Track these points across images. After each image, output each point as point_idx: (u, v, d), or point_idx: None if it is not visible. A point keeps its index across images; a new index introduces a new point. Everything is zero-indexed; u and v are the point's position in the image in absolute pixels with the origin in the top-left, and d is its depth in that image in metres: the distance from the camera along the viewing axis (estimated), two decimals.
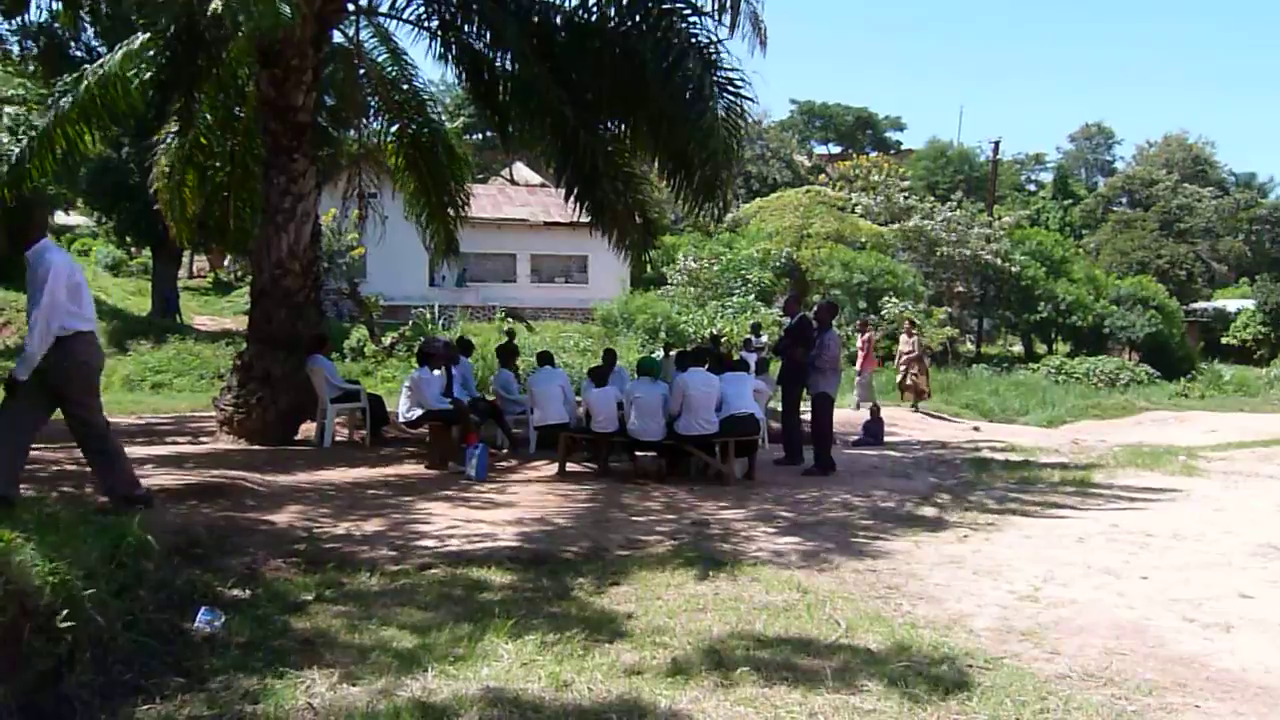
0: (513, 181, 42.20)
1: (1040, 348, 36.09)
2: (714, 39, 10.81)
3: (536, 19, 12.00)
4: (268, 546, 6.06)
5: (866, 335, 20.26)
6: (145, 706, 3.72)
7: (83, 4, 13.05)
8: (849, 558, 6.40)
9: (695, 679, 4.06)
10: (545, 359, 11.10)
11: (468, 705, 3.74)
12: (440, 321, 24.30)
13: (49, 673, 3.68)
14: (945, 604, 5.38)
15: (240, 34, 10.17)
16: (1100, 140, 68.88)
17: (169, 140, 12.96)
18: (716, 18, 10.76)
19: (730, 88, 10.83)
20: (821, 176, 48.10)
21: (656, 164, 12.35)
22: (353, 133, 14.99)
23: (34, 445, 10.78)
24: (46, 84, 12.14)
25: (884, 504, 8.63)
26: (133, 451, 10.14)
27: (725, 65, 10.84)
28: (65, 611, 3.79)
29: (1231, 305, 42.84)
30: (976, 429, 17.87)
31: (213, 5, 8.11)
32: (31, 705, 3.56)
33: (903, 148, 64.08)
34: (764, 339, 21.40)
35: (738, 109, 10.95)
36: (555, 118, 11.64)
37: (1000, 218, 36.78)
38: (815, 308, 11.55)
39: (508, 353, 12.99)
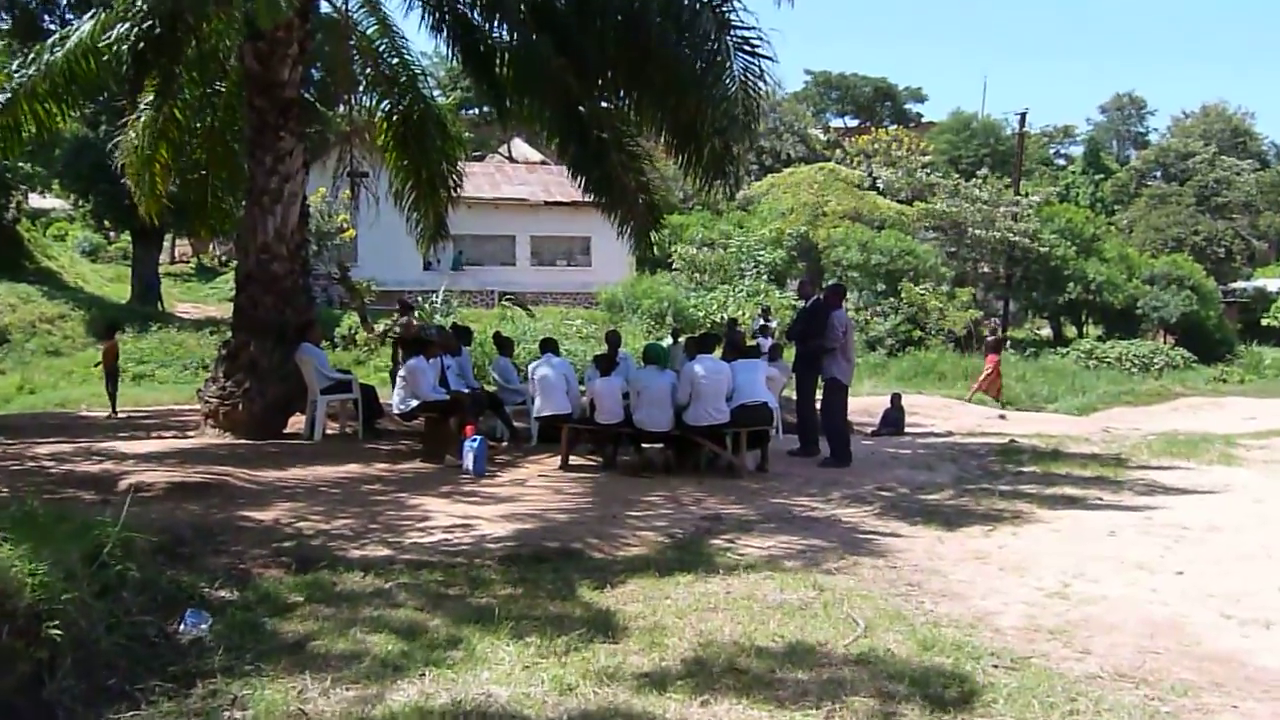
0: (511, 159, 42.11)
1: (1070, 331, 35.99)
2: None
3: None
4: (256, 545, 6.09)
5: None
6: (130, 713, 3.75)
7: None
8: (867, 554, 6.40)
9: (706, 682, 4.07)
10: (549, 346, 11.07)
11: (467, 710, 3.77)
12: (438, 305, 24.30)
13: (30, 677, 3.71)
14: (969, 601, 5.38)
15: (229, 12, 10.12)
16: (1133, 111, 68.42)
17: (140, 113, 12.91)
18: None
19: (747, 47, 10.77)
20: (838, 151, 47.87)
21: (663, 139, 12.31)
22: (342, 108, 14.96)
23: (10, 440, 10.87)
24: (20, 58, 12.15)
25: (904, 497, 8.63)
26: (114, 447, 10.21)
27: (741, 24, 10.77)
28: (46, 614, 3.81)
29: (1272, 285, 42.64)
30: (1002, 417, 17.84)
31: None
32: (12, 711, 3.59)
33: (924, 120, 63.72)
34: (774, 323, 21.37)
35: (756, 70, 10.89)
36: (557, 88, 11.59)
37: (1027, 194, 36.63)
38: (824, 290, 11.56)
39: (505, 340, 13.01)
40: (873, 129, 51.12)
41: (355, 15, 13.56)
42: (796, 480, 9.44)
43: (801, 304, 12.34)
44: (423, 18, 12.82)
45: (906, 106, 66.75)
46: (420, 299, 25.35)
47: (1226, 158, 52.74)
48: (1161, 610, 5.27)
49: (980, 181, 35.15)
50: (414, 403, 10.32)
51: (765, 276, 30.60)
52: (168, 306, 29.32)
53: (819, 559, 6.22)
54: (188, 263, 42.43)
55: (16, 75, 11.36)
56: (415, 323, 14.04)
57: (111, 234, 39.37)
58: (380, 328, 22.84)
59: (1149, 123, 68.73)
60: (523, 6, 11.42)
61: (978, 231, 32.53)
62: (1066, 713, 3.87)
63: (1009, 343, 23.26)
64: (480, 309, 28.64)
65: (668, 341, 16.07)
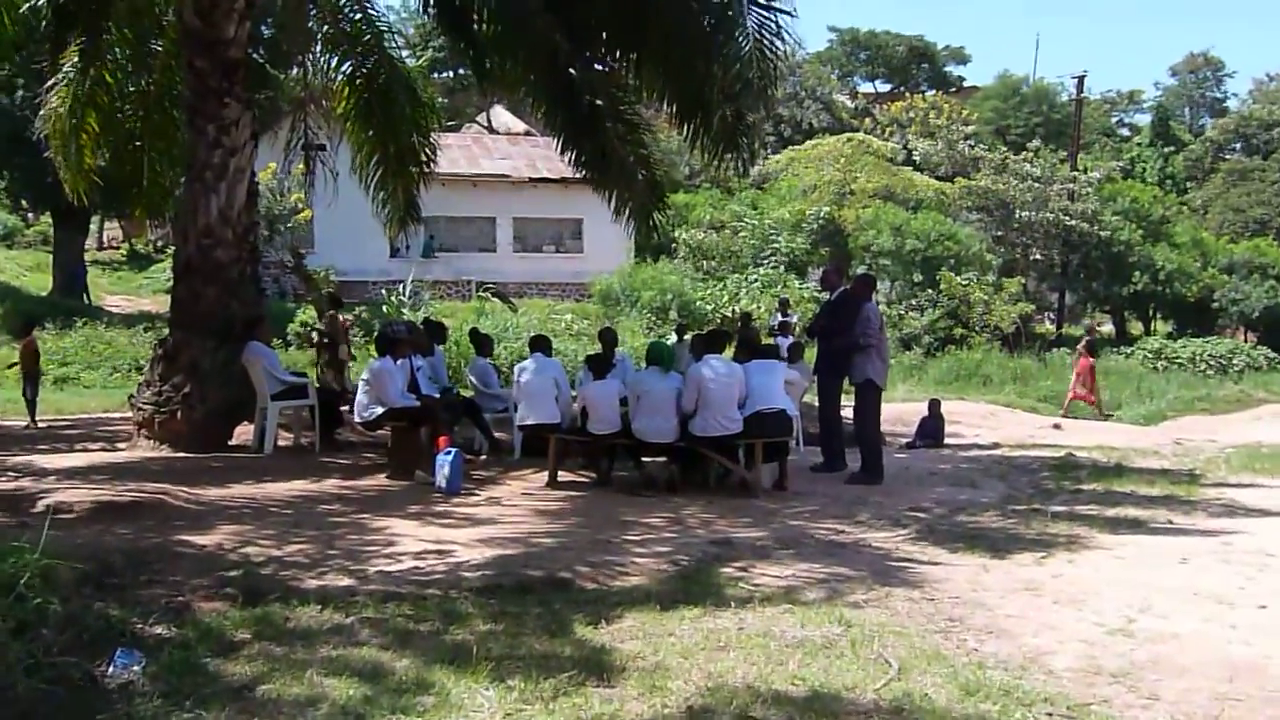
0: (491, 129, 42.18)
1: (1135, 327, 36.00)
2: None
3: None
4: (196, 574, 6.08)
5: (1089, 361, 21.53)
6: None
7: None
8: (901, 584, 6.41)
9: None
10: (539, 345, 11.06)
11: None
12: (405, 298, 24.31)
13: None
14: (1019, 639, 5.38)
15: None
16: (1208, 74, 68.51)
17: (65, 75, 12.90)
18: None
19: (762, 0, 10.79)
20: (867, 121, 47.96)
21: (666, 107, 12.34)
22: (296, 71, 14.94)
23: None
24: None
25: (943, 519, 8.63)
26: (32, 461, 10.21)
27: None
28: None
29: None
30: (1057, 427, 17.89)
31: None
32: None
33: (966, 85, 63.88)
34: (794, 318, 21.43)
35: (772, 27, 10.90)
36: (544, 48, 11.60)
37: (1086, 170, 36.65)
38: (852, 280, 11.57)
39: (484, 338, 13.03)
40: (907, 95, 51.20)
41: None
42: (819, 499, 9.45)
43: (825, 296, 12.34)
44: None
45: (946, 69, 66.87)
46: (386, 291, 25.39)
47: None
48: (1242, 650, 5.26)
49: (1031, 155, 35.17)
50: (379, 410, 10.31)
51: (783, 265, 30.62)
52: (95, 299, 29.34)
53: (845, 590, 6.23)
54: (118, 249, 42.48)
55: None
56: (345, 320, 14.05)
57: (30, 215, 39.41)
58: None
59: (1227, 87, 68.83)
60: None
61: (1028, 213, 32.53)
62: None
63: (1089, 343, 22.98)
64: (455, 302, 28.64)
65: (671, 339, 16.12)
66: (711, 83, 11.03)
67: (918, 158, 39.55)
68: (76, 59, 12.66)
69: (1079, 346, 23.09)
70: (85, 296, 28.75)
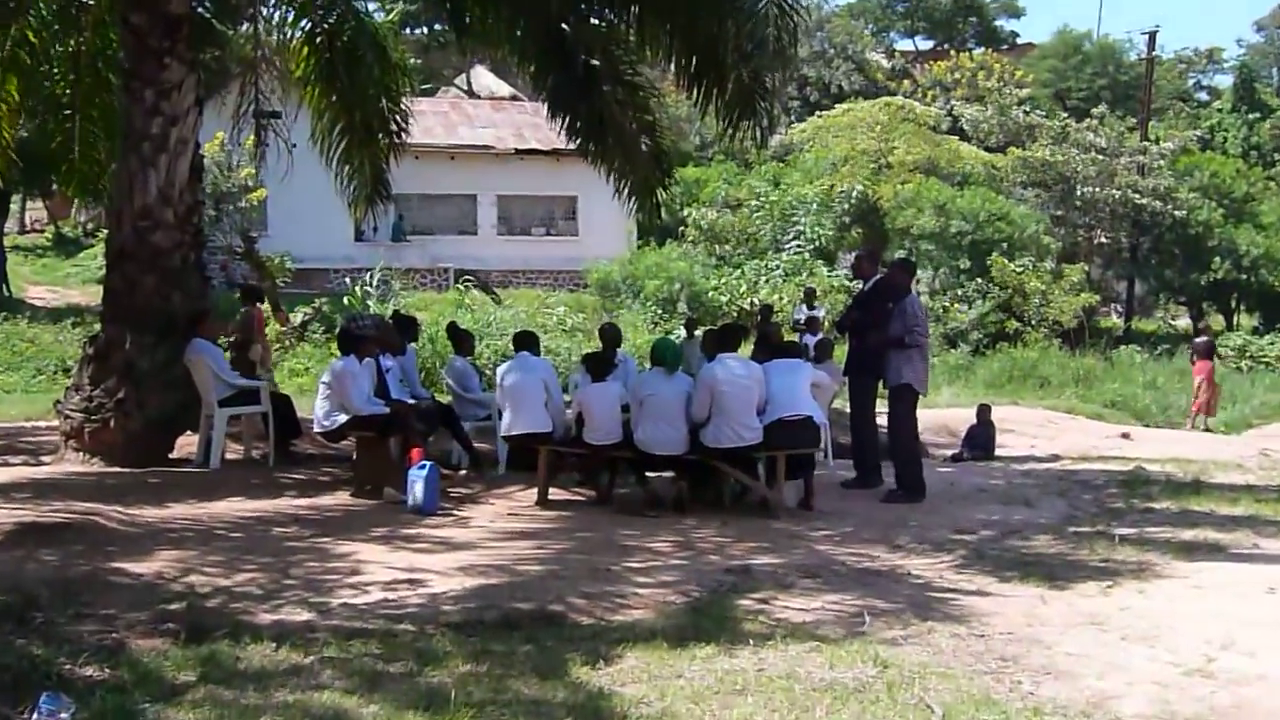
0: (471, 94, 42.19)
1: (1216, 321, 35.95)
2: None
3: None
4: (133, 607, 6.09)
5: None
6: None
7: None
8: (945, 618, 6.41)
9: None
10: (524, 342, 11.05)
11: None
12: (372, 289, 24.35)
13: None
14: (1082, 681, 5.38)
15: None
16: None
17: None
18: None
19: None
20: (906, 83, 47.97)
21: (673, 68, 12.34)
22: (247, 27, 14.94)
23: None
24: None
25: (994, 542, 8.63)
26: None
27: None
28: None
29: None
30: (1125, 436, 17.88)
31: None
32: None
33: (1020, 42, 63.86)
34: (821, 311, 21.43)
35: None
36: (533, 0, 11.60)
37: (1158, 140, 36.61)
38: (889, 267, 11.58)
39: (464, 335, 13.02)
40: (953, 53, 51.15)
41: None
42: (851, 520, 9.45)
43: (858, 286, 12.34)
44: None
45: (997, 23, 66.84)
46: (350, 280, 25.41)
47: None
48: None
49: (1095, 123, 35.17)
50: (342, 418, 10.30)
51: (809, 249, 30.60)
52: (16, 290, 29.39)
53: (880, 625, 6.23)
54: (43, 232, 42.51)
55: None
56: (263, 310, 14.00)
57: None
58: (299, 318, 22.89)
59: None
60: None
61: (1092, 189, 32.51)
62: None
63: (1207, 344, 22.46)
64: (431, 292, 28.68)
65: (680, 336, 16.13)
66: (724, 40, 11.03)
67: (964, 125, 39.52)
68: None
69: (1198, 343, 22.66)
70: (5, 287, 28.80)
